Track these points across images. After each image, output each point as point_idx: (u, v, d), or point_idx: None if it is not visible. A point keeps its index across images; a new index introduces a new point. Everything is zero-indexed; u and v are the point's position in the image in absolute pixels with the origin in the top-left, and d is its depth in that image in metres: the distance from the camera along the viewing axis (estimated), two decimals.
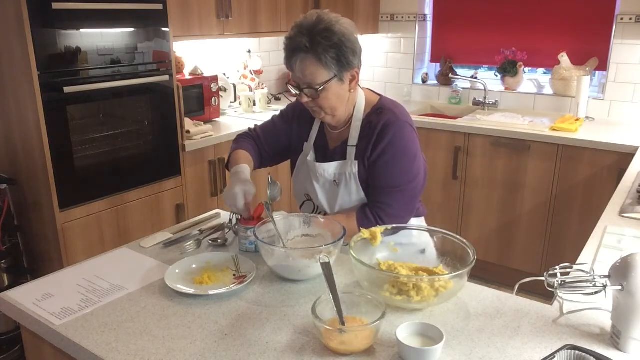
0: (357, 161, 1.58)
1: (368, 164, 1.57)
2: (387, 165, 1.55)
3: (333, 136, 1.66)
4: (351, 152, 1.59)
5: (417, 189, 1.60)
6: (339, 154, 1.63)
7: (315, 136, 1.69)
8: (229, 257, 1.45)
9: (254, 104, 3.55)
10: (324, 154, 1.67)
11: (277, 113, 1.83)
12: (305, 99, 1.52)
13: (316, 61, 1.45)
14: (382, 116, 1.56)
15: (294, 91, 1.54)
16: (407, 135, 1.56)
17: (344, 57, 1.46)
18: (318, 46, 1.43)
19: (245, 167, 1.60)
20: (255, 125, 1.83)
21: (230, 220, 1.66)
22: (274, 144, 1.77)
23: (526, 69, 3.82)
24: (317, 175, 1.64)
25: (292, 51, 1.48)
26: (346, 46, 1.46)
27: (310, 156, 1.68)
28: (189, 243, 1.56)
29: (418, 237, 1.44)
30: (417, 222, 1.71)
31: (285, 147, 1.77)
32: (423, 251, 1.41)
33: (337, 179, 1.62)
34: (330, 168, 1.62)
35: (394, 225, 1.45)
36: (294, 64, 1.48)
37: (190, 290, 1.29)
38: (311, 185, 1.67)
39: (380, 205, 1.57)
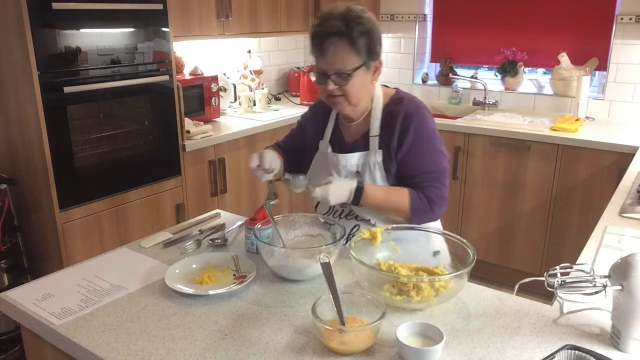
0: (381, 150, 1.58)
1: (398, 155, 1.56)
2: (424, 153, 1.57)
3: (350, 130, 1.65)
4: (374, 142, 1.59)
5: (447, 167, 1.63)
6: (359, 147, 1.62)
7: (330, 132, 1.69)
8: (229, 257, 1.45)
9: (254, 104, 3.54)
10: (341, 149, 1.66)
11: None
12: (331, 86, 1.50)
13: (350, 46, 1.45)
14: (402, 105, 1.58)
15: (316, 80, 1.53)
16: (430, 121, 1.61)
17: (373, 46, 1.48)
18: (353, 30, 1.44)
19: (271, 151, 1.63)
20: (278, 140, 1.88)
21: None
22: (295, 149, 1.78)
23: (526, 69, 3.82)
24: (338, 167, 1.63)
25: (325, 35, 1.46)
26: (375, 35, 1.48)
27: (330, 150, 1.67)
28: (189, 243, 1.57)
29: (434, 239, 1.43)
30: (435, 225, 1.67)
31: (303, 151, 1.78)
32: (437, 252, 1.39)
33: (361, 170, 1.61)
34: (353, 159, 1.61)
35: (395, 225, 1.46)
36: (325, 49, 1.46)
37: (190, 290, 1.29)
38: None
39: (430, 187, 1.56)
